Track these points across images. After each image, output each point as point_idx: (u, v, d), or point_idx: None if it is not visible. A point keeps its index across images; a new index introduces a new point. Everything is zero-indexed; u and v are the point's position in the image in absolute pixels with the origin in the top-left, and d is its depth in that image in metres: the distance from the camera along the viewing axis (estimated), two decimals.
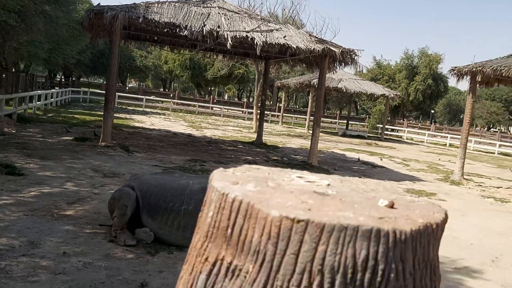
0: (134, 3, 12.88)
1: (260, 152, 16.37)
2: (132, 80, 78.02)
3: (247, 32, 12.78)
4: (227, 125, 30.25)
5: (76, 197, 7.04)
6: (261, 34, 12.85)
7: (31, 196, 6.78)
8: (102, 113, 17.99)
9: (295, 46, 12.64)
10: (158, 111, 36.02)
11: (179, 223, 5.29)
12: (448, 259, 6.17)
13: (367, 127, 43.12)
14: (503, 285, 5.44)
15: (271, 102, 50.90)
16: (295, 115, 44.01)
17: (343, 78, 33.31)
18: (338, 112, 47.71)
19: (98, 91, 38.04)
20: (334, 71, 15.26)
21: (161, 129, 20.38)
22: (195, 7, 13.36)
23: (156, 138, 16.52)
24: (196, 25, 12.56)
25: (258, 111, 29.44)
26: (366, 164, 17.09)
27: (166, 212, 5.31)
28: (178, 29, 13.02)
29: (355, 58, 13.74)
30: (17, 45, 19.85)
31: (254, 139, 19.50)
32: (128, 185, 5.62)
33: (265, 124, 36.93)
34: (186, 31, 12.57)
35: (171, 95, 43.88)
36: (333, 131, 38.63)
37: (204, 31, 12.46)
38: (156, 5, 12.88)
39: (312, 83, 31.84)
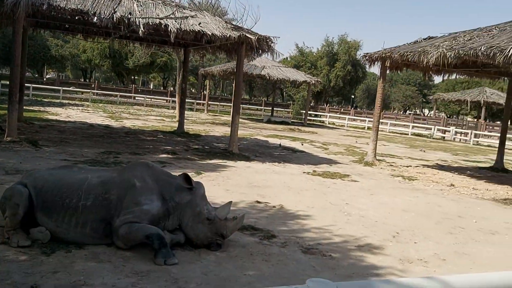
0: None
1: (181, 142, 16.15)
2: (50, 70, 73.80)
3: (161, 19, 12.44)
4: (149, 115, 29.56)
5: None
6: (175, 21, 12.57)
7: None
8: None
9: (210, 33, 12.51)
10: (77, 102, 34.46)
11: (77, 219, 5.04)
12: (352, 238, 6.41)
13: (291, 114, 43.97)
14: (401, 259, 5.73)
15: (196, 91, 50.40)
16: (222, 103, 43.91)
17: (266, 65, 33.67)
18: (263, 99, 48.13)
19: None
20: (252, 58, 15.36)
21: (77, 121, 19.50)
22: None
23: (70, 131, 15.76)
24: (106, 12, 12.04)
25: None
26: (287, 149, 17.42)
27: (62, 209, 5.04)
28: (87, 16, 12.38)
29: (272, 45, 13.85)
30: None
31: (176, 129, 19.19)
32: (21, 182, 5.27)
33: (190, 112, 36.70)
34: (95, 18, 12.01)
35: (92, 86, 42.07)
36: (258, 118, 39.03)
37: (115, 18, 11.98)
38: None
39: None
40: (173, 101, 36.62)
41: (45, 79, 48.61)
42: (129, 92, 40.68)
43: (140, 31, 11.76)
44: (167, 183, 5.36)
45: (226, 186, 9.13)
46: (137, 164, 5.61)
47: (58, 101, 33.20)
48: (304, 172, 12.01)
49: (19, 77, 11.55)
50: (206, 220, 5.31)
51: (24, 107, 23.91)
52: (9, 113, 11.56)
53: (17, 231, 4.97)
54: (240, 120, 33.79)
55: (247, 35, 13.04)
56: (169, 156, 12.36)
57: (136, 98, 40.00)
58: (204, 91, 43.74)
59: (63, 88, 36.22)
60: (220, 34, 12.60)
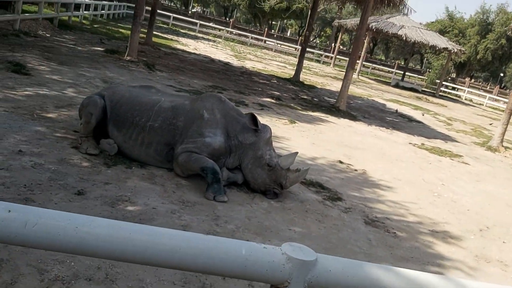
0: None
1: (291, 89, 15.86)
2: (196, 5, 77.11)
3: None
4: (274, 60, 29.52)
5: (68, 102, 7.02)
6: None
7: (23, 95, 6.81)
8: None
9: None
10: (210, 38, 35.57)
11: (143, 139, 5.12)
12: (430, 221, 5.73)
13: (425, 81, 40.90)
14: (477, 256, 4.98)
15: (329, 43, 49.01)
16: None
17: (405, 25, 31.33)
18: (397, 62, 45.31)
19: (160, 11, 37.80)
20: (383, 12, 14.16)
21: (201, 54, 20.11)
22: None
23: (189, 62, 16.31)
24: None
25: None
26: (403, 117, 16.23)
27: (132, 126, 5.15)
28: None
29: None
30: None
31: (292, 76, 18.90)
32: (100, 93, 5.46)
33: (315, 64, 36.04)
34: None
35: (229, 24, 43.02)
36: (387, 81, 36.97)
37: None
38: None
39: (370, 26, 30.14)
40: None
41: (189, 12, 50.88)
42: (260, 35, 40.92)
43: None
44: (235, 120, 5.17)
45: (315, 140, 8.73)
46: (211, 95, 5.48)
47: (193, 33, 34.58)
48: (410, 143, 11.08)
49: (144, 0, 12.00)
50: (267, 166, 5.06)
51: (159, 34, 25.41)
52: (132, 34, 12.20)
53: (88, 139, 5.21)
54: (365, 79, 32.58)
55: None
56: (272, 101, 12.19)
57: (267, 42, 40.16)
58: (334, 44, 42.28)
59: (200, 22, 37.56)
60: None
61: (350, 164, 7.47)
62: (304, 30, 27.95)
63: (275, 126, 9.02)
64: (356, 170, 7.26)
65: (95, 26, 21.24)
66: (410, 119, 15.98)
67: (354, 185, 6.46)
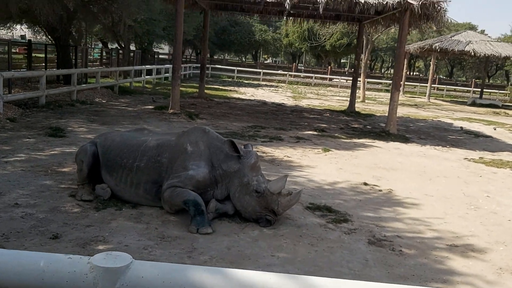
0: None
1: (342, 120, 15.45)
2: (266, 56, 79.46)
3: None
4: (336, 95, 29.19)
5: None
6: None
7: (48, 154, 7.25)
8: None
9: (362, 1, 11.48)
10: (274, 84, 36.23)
11: (132, 179, 5.16)
12: (452, 235, 5.08)
13: (508, 96, 38.07)
14: (501, 268, 4.29)
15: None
16: (421, 84, 40.59)
17: (472, 40, 29.79)
18: (473, 80, 42.75)
19: (219, 66, 39.54)
20: (419, 27, 13.55)
21: (255, 100, 20.42)
22: None
23: (239, 107, 16.59)
24: None
25: (366, 79, 27.95)
26: (469, 133, 15.08)
27: (121, 169, 5.23)
28: None
29: (441, 11, 12.00)
30: (132, 23, 21.43)
31: (346, 108, 18.50)
32: (92, 141, 5.65)
33: (381, 93, 35.00)
34: None
35: (292, 68, 43.63)
36: (464, 100, 34.89)
37: None
38: None
39: (433, 47, 29.04)
40: (368, 82, 35.37)
41: (257, 63, 52.55)
42: (324, 73, 40.93)
43: (286, 4, 11.49)
44: (218, 149, 5.06)
45: (344, 165, 8.29)
46: (195, 128, 5.45)
47: (256, 82, 35.47)
48: (465, 158, 10.17)
49: (181, 55, 12.56)
50: (255, 192, 4.84)
51: (219, 87, 26.35)
52: (172, 89, 12.73)
53: (84, 186, 5.36)
54: (438, 102, 31.01)
55: (408, 0, 11.56)
56: (314, 133, 11.91)
57: (334, 80, 40.05)
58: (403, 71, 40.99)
59: (263, 70, 38.53)
60: (375, 2, 11.45)
61: (375, 185, 6.96)
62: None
63: (305, 156, 8.76)
64: (380, 190, 6.74)
65: (157, 88, 22.56)
66: (477, 135, 14.80)
67: (372, 205, 5.97)
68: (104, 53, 24.57)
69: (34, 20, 16.14)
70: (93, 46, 28.75)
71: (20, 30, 40.01)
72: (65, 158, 7.09)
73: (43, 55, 17.45)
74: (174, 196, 4.86)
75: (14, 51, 19.62)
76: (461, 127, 16.08)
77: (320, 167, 7.90)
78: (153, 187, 5.13)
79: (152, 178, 5.12)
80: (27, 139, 8.25)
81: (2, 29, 21.92)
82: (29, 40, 18.35)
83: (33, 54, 17.03)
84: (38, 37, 25.91)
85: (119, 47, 25.52)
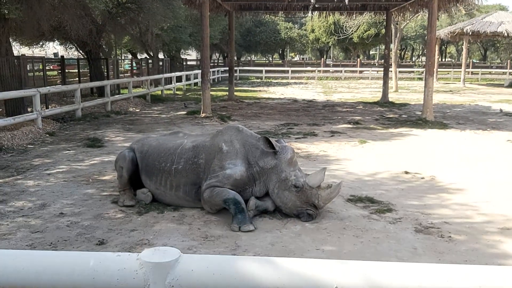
0: None
1: (377, 111, 15.18)
2: (294, 54, 79.15)
3: None
4: (368, 87, 28.75)
5: None
6: None
7: (88, 165, 7.40)
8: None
9: None
10: (303, 81, 36.00)
11: (171, 182, 5.20)
12: (502, 218, 4.89)
13: None
14: None
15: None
16: (454, 69, 39.46)
17: (504, 20, 28.84)
18: (509, 61, 41.28)
19: (247, 68, 39.61)
20: (449, 10, 13.17)
21: (285, 98, 20.33)
22: None
23: (269, 107, 16.54)
24: None
25: (397, 69, 27.39)
26: (509, 115, 14.54)
27: (160, 172, 5.27)
28: None
29: None
30: (159, 31, 21.76)
31: (379, 99, 18.18)
32: (130, 147, 5.72)
33: (414, 82, 34.25)
34: None
35: (320, 64, 43.29)
36: (501, 83, 33.75)
37: None
38: None
39: (465, 30, 28.24)
40: (400, 72, 34.69)
41: (283, 61, 52.39)
42: (354, 66, 40.39)
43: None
44: (254, 147, 5.03)
45: (383, 155, 8.13)
46: (229, 127, 5.42)
47: (285, 81, 35.33)
48: (508, 140, 9.80)
49: (208, 58, 12.61)
50: (294, 187, 4.79)
51: (249, 88, 26.39)
52: (202, 92, 12.80)
53: (126, 191, 5.43)
54: (473, 86, 30.08)
55: None
56: (349, 126, 11.74)
57: (364, 72, 39.48)
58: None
59: (291, 68, 38.34)
60: None
61: (417, 173, 6.78)
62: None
63: (341, 149, 8.63)
64: (423, 178, 6.55)
65: (187, 94, 22.77)
66: None
67: (415, 193, 5.80)
68: (134, 64, 25.02)
69: (65, 36, 16.56)
70: (123, 58, 29.33)
71: (53, 48, 41.30)
72: (105, 166, 7.23)
73: (76, 70, 17.92)
74: (213, 196, 4.86)
75: (48, 68, 20.24)
76: (501, 109, 15.53)
77: (358, 159, 7.77)
78: (193, 189, 5.14)
79: (191, 180, 5.13)
80: (67, 151, 8.46)
81: (35, 47, 22.63)
82: (62, 56, 18.87)
83: (66, 70, 17.51)
84: (70, 53, 26.65)
85: (148, 57, 25.94)
